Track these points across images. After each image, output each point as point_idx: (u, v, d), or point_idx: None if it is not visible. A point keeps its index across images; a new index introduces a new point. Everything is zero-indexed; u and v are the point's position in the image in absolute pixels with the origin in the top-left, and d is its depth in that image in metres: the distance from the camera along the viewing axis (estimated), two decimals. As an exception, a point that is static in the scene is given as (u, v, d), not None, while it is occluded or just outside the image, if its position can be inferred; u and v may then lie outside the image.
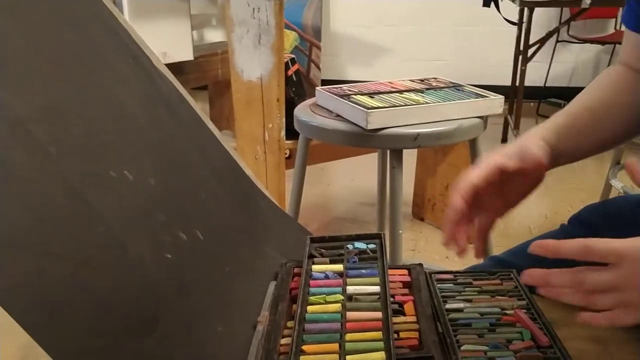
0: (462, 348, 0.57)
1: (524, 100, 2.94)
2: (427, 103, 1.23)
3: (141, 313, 0.55)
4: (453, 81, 1.41)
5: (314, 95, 1.38)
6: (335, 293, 0.64)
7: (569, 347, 0.57)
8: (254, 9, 1.54)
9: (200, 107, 0.82)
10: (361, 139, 1.19)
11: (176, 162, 0.72)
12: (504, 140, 3.12)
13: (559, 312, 0.63)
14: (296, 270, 0.71)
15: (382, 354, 0.54)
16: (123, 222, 0.58)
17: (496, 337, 0.59)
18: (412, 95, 1.29)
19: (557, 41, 3.57)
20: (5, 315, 0.44)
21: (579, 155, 0.74)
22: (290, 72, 1.72)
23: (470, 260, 0.75)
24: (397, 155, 1.22)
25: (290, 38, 3.52)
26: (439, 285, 0.69)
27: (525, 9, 2.81)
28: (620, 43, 0.85)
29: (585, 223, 0.80)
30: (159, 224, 0.63)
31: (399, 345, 0.57)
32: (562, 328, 0.61)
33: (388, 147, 1.25)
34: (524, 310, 0.63)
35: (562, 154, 0.71)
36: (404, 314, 0.63)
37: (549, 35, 2.95)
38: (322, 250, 0.73)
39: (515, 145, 0.68)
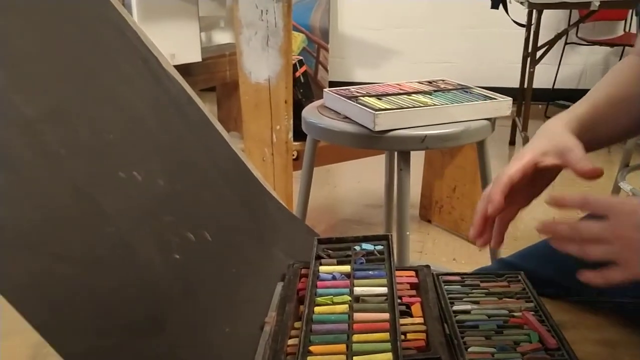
0: (469, 350, 0.57)
1: (532, 102, 2.93)
2: (434, 105, 1.23)
3: (149, 313, 0.55)
4: (461, 83, 1.41)
5: (321, 97, 1.38)
6: (342, 294, 0.64)
7: (577, 350, 0.57)
8: (262, 11, 1.54)
9: (208, 109, 0.82)
10: (369, 141, 1.19)
11: (184, 163, 0.72)
12: (512, 142, 3.11)
13: (567, 314, 0.63)
14: (303, 271, 0.71)
15: (389, 355, 0.54)
16: (131, 223, 0.59)
17: (503, 339, 0.59)
18: (420, 97, 1.29)
19: (566, 43, 3.55)
20: (15, 314, 0.44)
21: (595, 146, 0.73)
22: (298, 74, 1.72)
23: (478, 262, 0.74)
24: (405, 157, 1.22)
25: (298, 40, 3.53)
26: (446, 286, 0.69)
27: (534, 10, 2.80)
28: (630, 45, 0.85)
29: None
30: (167, 224, 0.63)
31: (406, 346, 0.57)
32: (571, 331, 0.60)
33: (395, 148, 1.25)
34: (532, 313, 0.63)
35: (583, 145, 0.70)
36: (411, 316, 0.63)
37: (557, 37, 2.94)
38: (330, 251, 0.74)
39: (550, 140, 0.67)
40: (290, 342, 0.59)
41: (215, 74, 2.58)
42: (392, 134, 1.17)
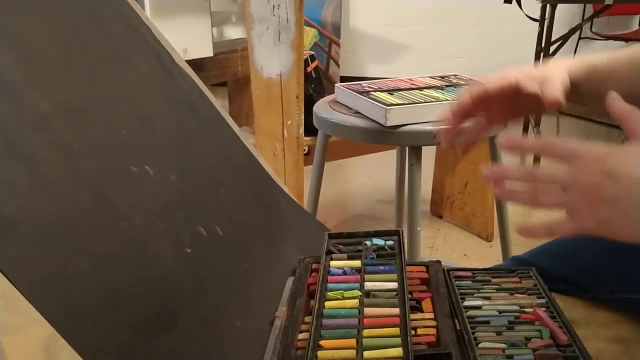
0: (480, 345, 0.57)
1: (545, 97, 2.90)
2: (447, 100, 1.22)
3: (161, 308, 0.56)
4: (473, 78, 1.40)
5: (333, 92, 1.38)
6: (353, 289, 0.64)
7: (588, 346, 0.56)
8: (274, 6, 1.54)
9: (220, 104, 0.82)
10: (380, 136, 1.19)
11: (196, 158, 0.73)
12: (525, 138, 3.08)
13: (580, 311, 0.63)
14: (314, 266, 0.71)
15: (399, 350, 0.54)
16: (144, 218, 0.59)
17: (514, 334, 0.59)
18: (432, 92, 1.28)
19: (580, 38, 3.52)
20: (30, 307, 0.45)
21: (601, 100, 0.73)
22: (309, 69, 1.72)
23: (489, 259, 0.74)
24: (416, 153, 1.22)
25: (310, 35, 3.52)
26: (457, 282, 0.69)
27: (548, 5, 2.78)
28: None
29: None
30: (179, 219, 0.63)
31: (417, 341, 0.57)
32: (582, 327, 0.60)
33: (407, 144, 1.25)
34: (544, 309, 0.63)
35: (585, 94, 0.69)
36: (421, 311, 0.63)
37: (571, 32, 2.91)
38: (340, 246, 0.74)
39: (542, 70, 0.67)
40: (300, 336, 0.59)
41: (227, 69, 2.58)
42: (403, 129, 1.17)
